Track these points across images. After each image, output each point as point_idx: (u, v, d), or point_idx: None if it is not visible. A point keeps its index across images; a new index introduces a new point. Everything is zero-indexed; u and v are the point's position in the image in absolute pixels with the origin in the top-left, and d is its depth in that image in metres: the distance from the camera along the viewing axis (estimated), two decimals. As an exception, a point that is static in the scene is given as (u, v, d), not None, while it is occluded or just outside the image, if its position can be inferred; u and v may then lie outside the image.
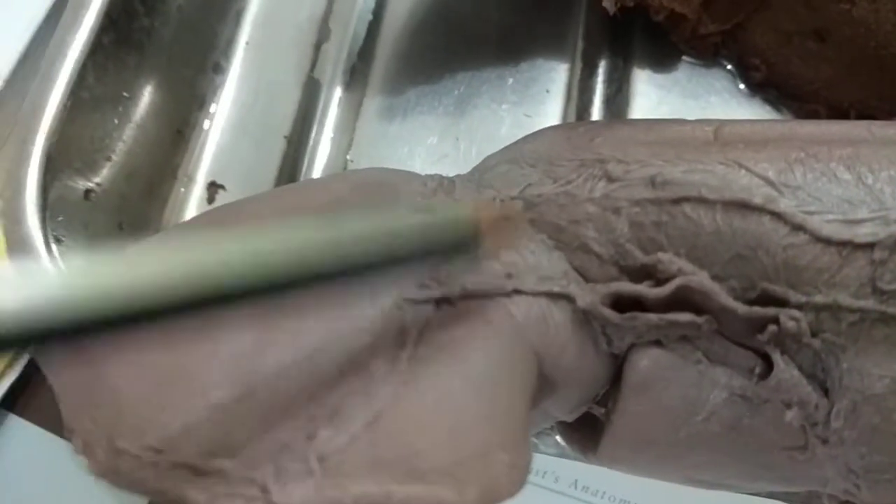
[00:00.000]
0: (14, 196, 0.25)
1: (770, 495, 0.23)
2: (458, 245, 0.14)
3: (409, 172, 0.21)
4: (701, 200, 0.16)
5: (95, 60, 0.28)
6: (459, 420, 0.12)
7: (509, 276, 0.16)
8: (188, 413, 0.12)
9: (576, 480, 0.27)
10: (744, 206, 0.15)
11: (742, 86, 0.32)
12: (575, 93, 0.33)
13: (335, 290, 0.13)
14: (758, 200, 0.15)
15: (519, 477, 0.12)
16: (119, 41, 0.29)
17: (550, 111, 0.33)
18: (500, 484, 0.11)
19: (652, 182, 0.16)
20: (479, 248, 0.14)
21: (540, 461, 0.27)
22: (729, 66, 0.32)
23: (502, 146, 0.21)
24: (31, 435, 0.30)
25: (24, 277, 0.09)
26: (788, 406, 0.15)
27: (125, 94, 0.30)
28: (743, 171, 0.16)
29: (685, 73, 0.33)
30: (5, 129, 0.31)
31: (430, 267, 0.14)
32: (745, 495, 0.25)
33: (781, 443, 0.16)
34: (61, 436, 0.30)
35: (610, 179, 0.17)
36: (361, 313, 0.13)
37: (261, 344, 0.13)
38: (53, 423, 0.31)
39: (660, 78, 0.33)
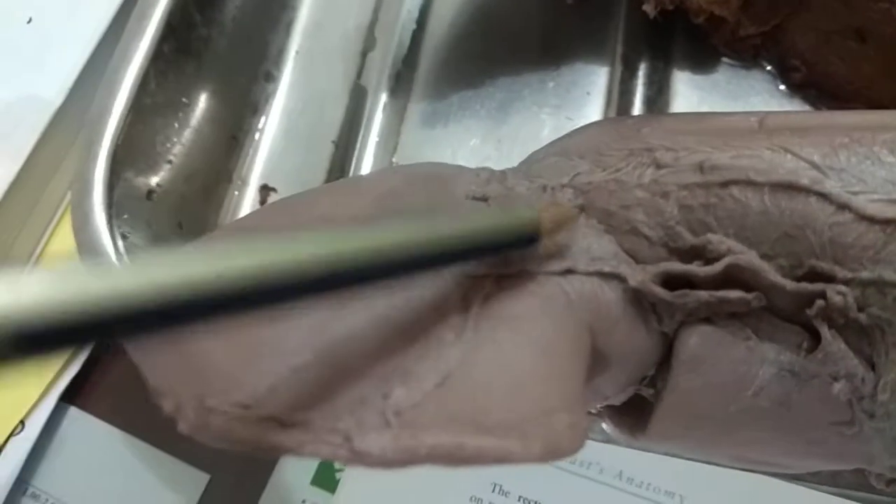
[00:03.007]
0: (82, 194, 0.26)
1: (815, 478, 0.23)
2: (521, 243, 0.15)
3: (460, 166, 0.21)
4: (749, 183, 0.16)
5: (157, 67, 0.29)
6: (523, 383, 0.13)
7: (562, 256, 0.16)
8: (272, 374, 0.13)
9: (620, 472, 0.27)
10: (791, 188, 0.16)
11: (782, 86, 0.33)
12: (615, 95, 0.33)
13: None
14: (804, 182, 0.16)
15: (578, 436, 0.12)
16: (178, 49, 0.30)
17: (591, 113, 0.33)
18: (561, 441, 0.12)
19: (700, 167, 0.17)
20: (540, 245, 0.16)
21: (585, 452, 0.27)
22: (769, 67, 0.33)
23: (544, 148, 0.21)
24: (92, 427, 0.31)
25: (101, 269, 0.09)
26: (836, 379, 0.16)
27: (184, 99, 0.31)
28: (789, 156, 0.16)
29: (725, 74, 0.33)
30: (70, 134, 0.33)
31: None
32: (790, 485, 0.26)
33: (829, 418, 0.16)
34: (120, 427, 0.32)
35: (658, 166, 0.18)
36: (427, 287, 0.14)
37: (335, 315, 0.13)
38: (113, 414, 0.32)
39: (700, 79, 0.33)
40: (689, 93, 0.33)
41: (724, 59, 0.33)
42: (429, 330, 0.14)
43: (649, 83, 0.33)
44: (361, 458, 0.11)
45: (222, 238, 0.20)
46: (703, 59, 0.34)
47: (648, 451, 0.25)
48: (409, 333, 0.13)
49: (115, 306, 0.09)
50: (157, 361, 0.14)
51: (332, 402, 0.12)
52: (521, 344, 0.14)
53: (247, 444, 0.12)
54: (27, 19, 0.34)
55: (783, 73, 0.33)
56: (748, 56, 0.33)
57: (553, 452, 0.12)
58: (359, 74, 0.35)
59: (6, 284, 0.08)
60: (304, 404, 0.12)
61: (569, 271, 0.16)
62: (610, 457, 0.27)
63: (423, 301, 0.14)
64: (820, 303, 0.15)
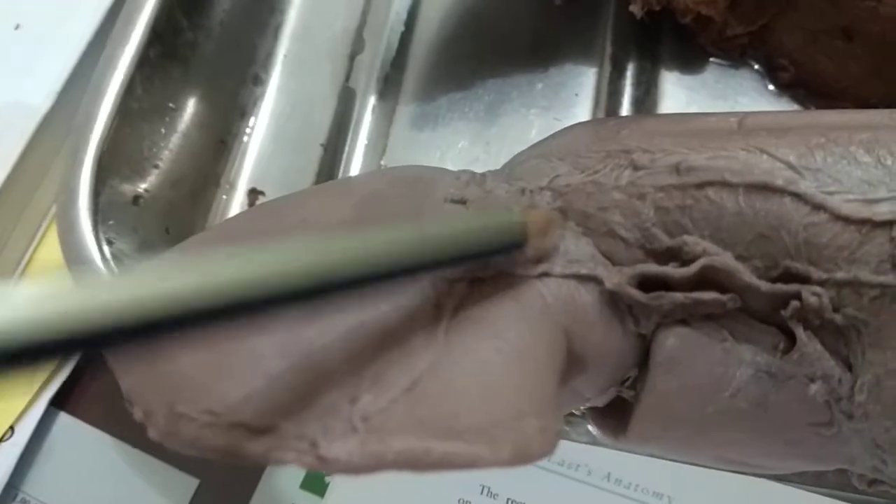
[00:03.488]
0: (68, 200, 0.26)
1: (801, 478, 0.23)
2: (506, 249, 0.15)
3: (442, 168, 0.21)
4: (724, 184, 0.16)
5: (143, 73, 0.29)
6: (493, 387, 0.13)
7: (539, 259, 0.16)
8: (243, 382, 0.13)
9: (609, 473, 0.27)
10: (766, 189, 0.16)
11: (770, 86, 0.33)
12: (604, 96, 0.33)
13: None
14: (779, 182, 0.16)
15: (549, 440, 0.12)
16: (165, 55, 0.30)
17: (580, 114, 0.33)
18: (531, 445, 0.12)
19: (676, 169, 0.17)
20: (524, 249, 0.16)
21: (573, 454, 0.27)
22: (757, 67, 0.33)
23: (532, 149, 0.21)
24: (82, 432, 0.31)
25: (83, 284, 0.09)
26: (812, 380, 0.16)
27: (171, 104, 0.31)
28: (765, 157, 0.16)
29: (713, 74, 0.33)
30: (58, 140, 0.33)
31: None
32: (779, 485, 0.26)
33: (807, 419, 0.16)
34: (110, 433, 0.32)
35: (636, 168, 0.18)
36: (400, 292, 0.14)
37: (307, 321, 0.13)
38: (102, 420, 0.32)
39: (688, 79, 0.33)
40: (677, 93, 0.33)
41: (712, 59, 0.33)
42: (400, 335, 0.14)
43: (637, 83, 0.33)
44: (328, 464, 0.11)
45: (204, 244, 0.20)
46: (691, 59, 0.34)
47: (632, 452, 0.25)
48: (381, 339, 0.13)
49: (94, 321, 0.09)
50: (130, 369, 0.14)
51: (301, 410, 0.12)
52: (493, 348, 0.14)
53: (216, 450, 0.12)
54: (15, 25, 0.34)
55: (771, 72, 0.33)
56: (736, 56, 0.33)
57: (522, 456, 0.12)
58: (347, 77, 0.36)
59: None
60: (274, 411, 0.12)
61: (545, 274, 0.16)
62: (598, 459, 0.27)
63: (396, 306, 0.14)
64: (795, 304, 0.15)
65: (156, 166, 0.30)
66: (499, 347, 0.14)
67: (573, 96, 0.34)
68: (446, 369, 0.13)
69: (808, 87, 0.32)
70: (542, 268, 0.16)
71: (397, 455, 0.11)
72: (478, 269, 0.15)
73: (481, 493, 0.27)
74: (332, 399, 0.12)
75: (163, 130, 0.31)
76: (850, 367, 0.16)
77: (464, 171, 0.20)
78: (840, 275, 0.15)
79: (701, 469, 0.26)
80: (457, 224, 0.15)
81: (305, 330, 0.13)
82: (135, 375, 0.14)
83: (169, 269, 0.10)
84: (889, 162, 0.16)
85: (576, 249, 0.17)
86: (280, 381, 0.13)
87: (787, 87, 0.33)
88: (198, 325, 0.10)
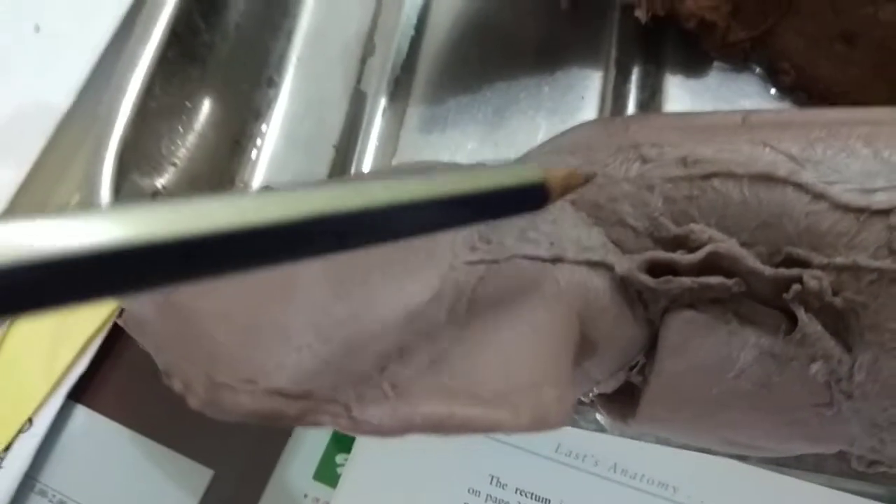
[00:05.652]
0: (90, 194, 0.27)
1: (800, 464, 0.24)
2: (530, 204, 0.15)
3: (455, 163, 0.22)
4: (729, 175, 0.17)
5: (162, 72, 0.30)
6: (513, 360, 0.14)
7: (552, 244, 0.17)
8: (277, 353, 0.13)
9: (615, 464, 0.28)
10: (769, 179, 0.17)
11: (772, 89, 0.33)
12: (609, 99, 0.34)
13: (398, 253, 0.14)
14: (782, 173, 0.17)
15: (565, 410, 0.13)
16: (183, 55, 0.31)
17: (586, 117, 0.34)
18: (549, 412, 0.13)
19: (684, 161, 0.18)
20: (548, 202, 0.15)
21: (580, 445, 0.28)
22: (759, 71, 0.34)
23: (539, 150, 0.22)
24: (99, 424, 0.32)
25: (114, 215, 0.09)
26: (813, 360, 0.16)
27: (188, 104, 0.32)
28: (768, 149, 0.17)
29: (716, 78, 0.34)
30: (78, 138, 0.34)
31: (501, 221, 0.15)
32: (781, 476, 0.26)
33: (809, 399, 0.17)
34: (126, 425, 0.32)
35: (644, 161, 0.18)
36: (422, 272, 0.15)
37: (335, 296, 0.14)
38: (119, 412, 0.33)
39: (692, 83, 0.34)
40: (681, 96, 0.34)
41: (716, 63, 0.34)
42: (424, 311, 0.14)
43: (642, 87, 0.34)
44: (360, 427, 0.12)
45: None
46: (694, 64, 0.34)
47: (639, 437, 0.26)
48: (405, 314, 0.14)
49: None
50: (166, 344, 0.15)
51: (332, 377, 0.13)
52: (512, 323, 0.14)
53: (256, 415, 0.12)
54: (35, 27, 0.35)
55: (773, 76, 0.34)
56: (739, 60, 0.34)
57: (540, 423, 0.13)
58: (358, 80, 0.36)
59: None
60: (308, 380, 0.13)
61: (558, 259, 0.17)
62: (604, 449, 0.28)
63: (419, 284, 0.15)
64: (796, 287, 0.16)
65: (173, 164, 0.31)
66: (517, 324, 0.14)
67: (579, 99, 0.35)
68: (468, 343, 0.14)
69: (810, 90, 0.33)
70: (554, 251, 0.17)
71: (424, 418, 0.12)
72: (494, 252, 0.16)
73: (490, 482, 0.28)
74: (363, 368, 0.13)
75: (180, 129, 0.32)
76: (849, 349, 0.16)
77: (476, 164, 0.21)
78: (839, 260, 0.16)
79: (705, 459, 0.27)
80: (476, 175, 0.14)
81: (333, 305, 0.14)
82: (171, 350, 0.14)
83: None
84: (887, 154, 0.16)
85: (587, 238, 0.18)
86: (312, 352, 0.13)
87: (789, 91, 0.33)
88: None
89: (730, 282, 0.17)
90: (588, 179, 0.17)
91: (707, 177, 0.17)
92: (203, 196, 0.10)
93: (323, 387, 0.13)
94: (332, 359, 0.13)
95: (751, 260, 0.16)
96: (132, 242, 0.09)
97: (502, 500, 0.28)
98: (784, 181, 0.16)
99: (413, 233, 0.12)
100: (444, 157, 0.34)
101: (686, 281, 0.17)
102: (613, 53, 0.34)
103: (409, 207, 0.11)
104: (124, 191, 0.28)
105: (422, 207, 0.12)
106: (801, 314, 0.16)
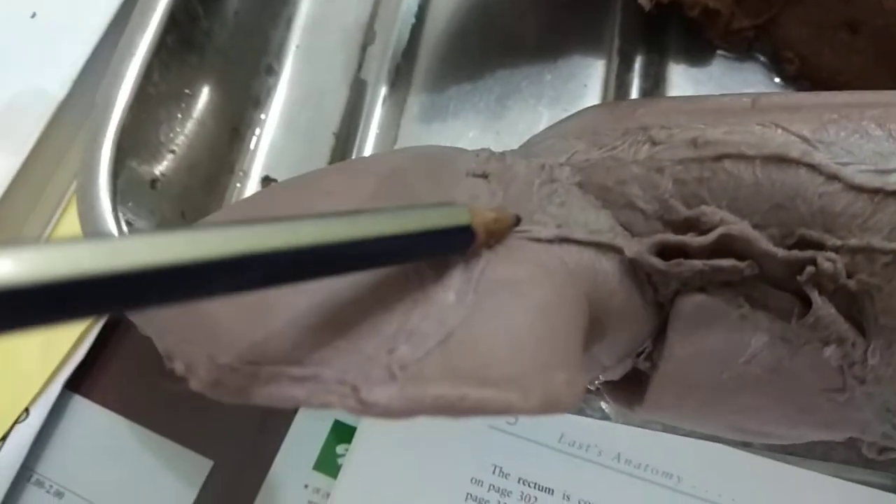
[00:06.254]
0: (88, 180, 0.27)
1: (808, 452, 0.23)
2: (453, 242, 0.15)
3: (461, 148, 0.22)
4: (741, 156, 0.17)
5: (160, 59, 0.30)
6: (522, 342, 0.13)
7: (559, 227, 0.17)
8: (281, 333, 0.13)
9: (619, 454, 0.28)
10: (781, 160, 0.16)
11: (776, 78, 0.33)
12: (612, 87, 0.34)
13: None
14: (794, 154, 0.16)
15: (575, 393, 0.13)
16: (181, 41, 0.31)
17: (588, 105, 0.34)
18: (559, 395, 0.12)
19: (694, 143, 0.17)
20: (474, 245, 0.15)
21: (584, 435, 0.28)
22: (763, 59, 0.33)
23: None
24: (96, 414, 0.32)
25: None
26: (826, 343, 0.16)
27: (187, 91, 0.32)
28: (780, 131, 0.17)
29: (720, 67, 0.34)
30: (75, 126, 0.33)
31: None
32: (786, 465, 0.26)
33: (821, 384, 0.17)
34: (124, 415, 0.32)
35: (653, 143, 0.18)
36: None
37: (340, 278, 0.14)
38: (116, 402, 0.32)
39: (695, 72, 0.34)
40: (684, 85, 0.34)
41: (719, 52, 0.34)
42: (431, 293, 0.14)
43: (645, 76, 0.34)
44: (368, 408, 0.12)
45: (231, 215, 0.20)
46: (698, 52, 0.34)
47: (645, 425, 0.26)
48: (413, 296, 0.14)
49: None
50: (167, 326, 0.14)
51: (339, 358, 0.13)
52: (521, 305, 0.14)
53: (259, 397, 0.12)
54: (31, 14, 0.35)
55: (777, 65, 0.33)
56: (742, 48, 0.34)
57: (551, 405, 0.12)
58: (359, 68, 0.36)
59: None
60: (314, 360, 0.12)
61: (566, 240, 0.17)
62: (609, 439, 0.28)
63: (426, 265, 0.15)
64: (810, 269, 0.16)
65: (172, 151, 0.31)
66: (526, 306, 0.14)
67: (582, 87, 0.34)
68: (477, 324, 0.13)
69: (814, 79, 0.33)
70: (562, 232, 0.17)
71: (434, 400, 0.12)
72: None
73: (493, 472, 0.28)
74: (371, 349, 0.13)
75: (179, 116, 0.31)
76: (863, 332, 0.16)
77: (483, 150, 0.21)
78: (853, 241, 0.16)
79: (710, 448, 0.27)
80: (401, 215, 0.14)
81: (338, 285, 0.14)
82: (172, 332, 0.14)
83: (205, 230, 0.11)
84: (900, 135, 0.16)
85: (596, 221, 0.17)
86: (317, 333, 0.13)
87: (793, 80, 0.33)
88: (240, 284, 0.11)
89: (742, 264, 0.16)
90: (517, 222, 0.17)
91: (718, 158, 0.17)
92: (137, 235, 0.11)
93: (330, 368, 0.12)
94: (337, 339, 0.13)
95: (763, 242, 0.16)
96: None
97: (505, 490, 0.27)
98: (797, 162, 0.16)
99: (337, 271, 0.12)
100: (445, 145, 0.34)
101: (697, 264, 0.16)
102: (616, 42, 0.34)
103: (335, 246, 0.12)
104: (122, 177, 0.28)
105: (349, 246, 0.12)
106: (815, 297, 0.16)
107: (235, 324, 0.13)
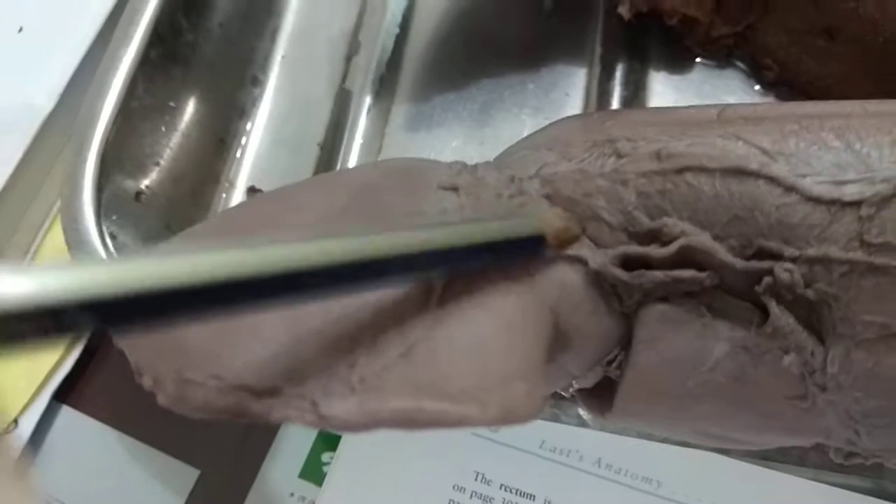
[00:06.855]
0: (72, 195, 0.27)
1: (784, 458, 0.24)
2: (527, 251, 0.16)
3: (435, 160, 0.22)
4: (702, 169, 0.17)
5: (144, 72, 0.30)
6: (483, 353, 0.14)
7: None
8: (245, 349, 0.13)
9: (599, 459, 0.28)
10: (741, 172, 0.17)
11: (756, 85, 0.34)
12: (594, 96, 0.34)
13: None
14: (753, 166, 0.17)
15: (534, 404, 0.13)
16: (166, 55, 0.31)
17: (570, 114, 0.34)
18: (517, 407, 0.13)
19: (657, 156, 0.18)
20: (546, 252, 0.17)
21: (565, 440, 0.28)
22: (742, 66, 0.34)
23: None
24: (85, 424, 0.32)
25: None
26: (786, 352, 0.16)
27: (171, 104, 0.32)
28: (741, 143, 0.17)
29: (700, 74, 0.34)
30: (61, 139, 0.34)
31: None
32: (766, 470, 0.27)
33: (783, 391, 0.17)
34: (112, 425, 0.32)
35: (619, 156, 0.18)
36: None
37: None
38: (104, 413, 0.32)
39: (676, 80, 0.34)
40: (665, 93, 0.34)
41: (699, 60, 0.34)
42: (394, 305, 0.14)
43: (626, 84, 0.34)
44: (327, 422, 0.12)
45: (207, 233, 0.21)
46: (678, 60, 0.34)
47: (622, 431, 0.26)
48: (376, 309, 0.14)
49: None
50: (138, 342, 0.15)
51: (302, 374, 0.13)
52: (483, 318, 0.14)
53: (222, 411, 0.12)
54: (18, 28, 0.35)
55: (756, 71, 0.34)
56: (722, 56, 0.34)
57: (508, 417, 0.13)
58: (343, 79, 0.36)
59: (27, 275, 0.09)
60: (276, 375, 0.13)
61: (532, 254, 0.17)
62: (589, 444, 0.28)
63: (390, 280, 0.15)
64: (768, 279, 0.16)
65: (157, 163, 0.31)
66: (488, 317, 0.14)
67: (564, 96, 0.35)
68: (438, 337, 0.14)
69: (793, 85, 0.33)
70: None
71: (392, 413, 0.12)
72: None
73: (475, 478, 0.28)
74: (331, 364, 0.13)
75: (163, 129, 0.32)
76: (822, 341, 0.17)
77: (456, 162, 0.21)
78: (811, 252, 0.16)
79: (689, 454, 0.27)
80: (472, 229, 0.15)
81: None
82: (143, 347, 0.14)
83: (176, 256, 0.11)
84: (858, 147, 0.17)
85: (562, 233, 0.18)
86: (281, 348, 0.13)
87: (773, 86, 0.33)
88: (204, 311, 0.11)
89: (702, 275, 0.17)
90: (584, 231, 0.18)
91: (680, 171, 0.17)
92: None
93: (290, 382, 0.13)
94: (300, 354, 0.13)
95: (723, 253, 0.16)
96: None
97: (487, 497, 0.28)
98: (756, 174, 0.17)
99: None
100: (429, 155, 0.34)
101: (659, 275, 0.17)
102: (598, 50, 0.34)
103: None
104: (107, 191, 0.28)
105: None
106: (773, 306, 0.16)
107: (202, 341, 0.14)
